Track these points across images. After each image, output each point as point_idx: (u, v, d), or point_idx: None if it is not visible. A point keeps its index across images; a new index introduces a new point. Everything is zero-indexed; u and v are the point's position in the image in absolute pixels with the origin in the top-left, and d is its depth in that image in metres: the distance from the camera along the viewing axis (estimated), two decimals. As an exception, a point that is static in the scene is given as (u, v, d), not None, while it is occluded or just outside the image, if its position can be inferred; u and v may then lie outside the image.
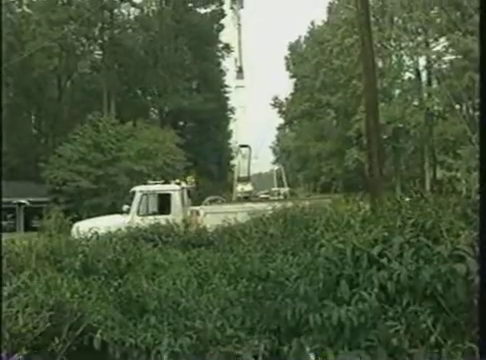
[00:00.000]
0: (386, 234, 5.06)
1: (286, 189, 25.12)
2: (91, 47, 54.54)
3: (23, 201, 39.13)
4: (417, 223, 5.14)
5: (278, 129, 76.04)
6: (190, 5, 54.60)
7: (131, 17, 54.74)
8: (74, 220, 20.98)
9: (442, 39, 47.18)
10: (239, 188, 23.74)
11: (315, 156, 57.57)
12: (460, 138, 40.43)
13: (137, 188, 21.80)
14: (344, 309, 4.56)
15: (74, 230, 17.76)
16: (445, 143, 44.72)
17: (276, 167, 37.18)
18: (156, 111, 56.06)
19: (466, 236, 4.74)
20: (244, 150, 24.63)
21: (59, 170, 36.34)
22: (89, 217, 24.60)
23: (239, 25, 15.26)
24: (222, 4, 51.33)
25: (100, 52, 53.40)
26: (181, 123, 56.52)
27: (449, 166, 40.60)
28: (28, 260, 7.84)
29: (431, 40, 47.64)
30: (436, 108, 47.27)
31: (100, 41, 52.21)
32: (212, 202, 22.70)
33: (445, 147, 45.85)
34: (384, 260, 4.71)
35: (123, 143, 38.05)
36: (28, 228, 35.71)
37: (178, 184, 21.85)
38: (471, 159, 31.19)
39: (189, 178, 23.12)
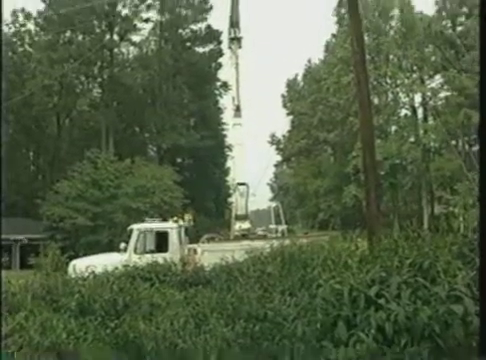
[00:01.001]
0: (383, 274, 5.07)
1: (284, 226, 25.02)
2: (90, 85, 55.17)
3: (19, 238, 38.92)
4: (414, 263, 5.16)
5: (276, 166, 76.32)
6: (189, 44, 55.47)
7: (130, 56, 55.52)
8: (71, 258, 20.90)
9: (437, 76, 48.04)
10: (237, 226, 23.66)
11: (313, 193, 57.62)
12: (456, 174, 40.70)
13: (134, 226, 21.74)
14: (342, 350, 4.53)
15: (71, 268, 17.68)
16: (442, 179, 44.92)
17: (274, 204, 37.14)
18: (154, 148, 56.30)
19: (463, 276, 4.76)
20: (242, 188, 24.62)
21: (56, 207, 36.24)
22: (86, 255, 24.47)
23: (237, 64, 15.49)
24: (220, 43, 52.26)
25: (99, 90, 53.95)
26: (179, 160, 56.70)
27: (447, 202, 40.74)
28: (24, 300, 7.80)
29: (426, 77, 48.42)
30: (432, 144, 47.67)
31: (99, 79, 52.84)
32: (210, 240, 22.59)
33: (442, 183, 46.08)
34: (382, 301, 4.71)
35: (121, 180, 38.08)
36: (24, 265, 35.43)
37: (176, 222, 21.80)
38: (468, 195, 31.29)
39: (187, 216, 23.07)
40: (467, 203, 27.41)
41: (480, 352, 3.65)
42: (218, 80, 55.59)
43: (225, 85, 50.79)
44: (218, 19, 50.00)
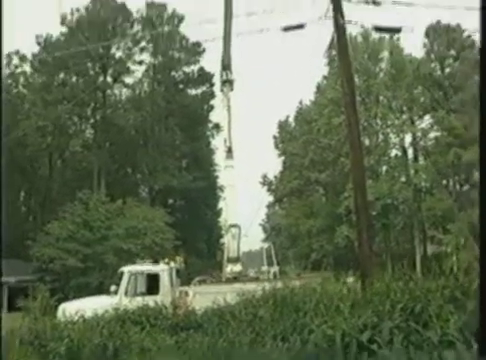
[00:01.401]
0: (375, 319, 5.03)
1: (276, 268, 24.85)
2: (83, 126, 55.51)
3: (8, 280, 38.33)
4: (406, 307, 5.13)
5: (268, 207, 76.18)
6: (181, 86, 56.23)
7: (123, 97, 56.04)
8: (60, 300, 20.57)
9: (427, 117, 48.69)
10: (229, 269, 23.43)
11: (305, 233, 57.42)
12: (448, 213, 40.83)
13: (125, 268, 21.55)
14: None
15: (60, 312, 17.36)
16: (434, 218, 44.97)
17: (266, 245, 36.93)
18: (146, 189, 56.31)
19: (455, 321, 4.73)
20: (234, 230, 24.47)
21: (46, 248, 35.86)
22: (76, 297, 24.14)
23: (229, 107, 15.65)
24: (212, 85, 52.94)
25: (92, 131, 54.26)
26: (171, 201, 56.65)
27: (439, 241, 40.73)
28: (12, 346, 7.65)
29: (416, 118, 49.06)
30: (423, 184, 47.95)
31: (92, 120, 53.22)
32: (201, 282, 22.38)
33: (434, 222, 46.12)
34: (374, 346, 4.66)
35: (112, 221, 37.89)
36: (12, 308, 34.76)
37: (167, 263, 21.64)
38: (460, 235, 31.35)
39: (178, 257, 22.92)
40: (459, 243, 27.47)
41: (480, 352, 3.62)
42: (210, 121, 56.16)
43: (217, 126, 51.21)
44: (210, 61, 50.77)
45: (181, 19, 54.35)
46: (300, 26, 9.92)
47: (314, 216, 57.01)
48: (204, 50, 54.71)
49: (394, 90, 47.68)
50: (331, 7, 9.18)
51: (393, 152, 50.39)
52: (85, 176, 51.42)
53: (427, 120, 48.70)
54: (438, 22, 48.26)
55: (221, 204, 49.72)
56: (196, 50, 55.20)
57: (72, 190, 46.44)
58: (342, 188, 46.56)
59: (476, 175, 44.91)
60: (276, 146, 69.60)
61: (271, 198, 70.60)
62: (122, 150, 53.32)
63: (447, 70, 49.50)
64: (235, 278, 22.33)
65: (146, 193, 56.05)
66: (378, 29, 11.81)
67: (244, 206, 29.05)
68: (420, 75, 47.14)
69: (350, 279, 9.69)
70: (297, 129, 65.92)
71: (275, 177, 69.60)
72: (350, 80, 11.24)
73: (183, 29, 53.88)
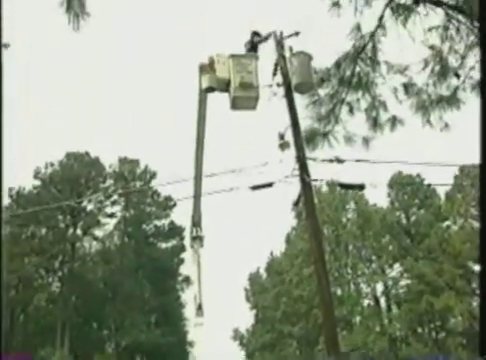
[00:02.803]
0: None
1: None
2: (50, 279, 54.21)
3: None
4: None
5: (240, 363, 72.90)
6: (152, 239, 56.41)
7: (93, 250, 55.66)
8: None
9: (396, 265, 49.19)
10: None
11: (280, 390, 54.66)
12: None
13: None
14: None
15: None
16: (412, 368, 43.64)
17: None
18: (112, 345, 53.82)
19: None
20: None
21: None
22: None
23: (199, 263, 15.62)
24: (183, 239, 53.25)
25: (59, 284, 52.96)
26: (138, 358, 54.05)
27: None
28: None
29: (386, 266, 49.53)
30: (398, 333, 47.13)
31: (60, 273, 52.19)
32: None
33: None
34: None
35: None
36: None
37: None
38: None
39: None
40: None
41: (481, 352, 3.31)
42: (180, 274, 55.65)
43: (187, 279, 50.75)
44: (181, 214, 51.62)
45: (153, 175, 56.06)
46: (269, 185, 10.29)
47: (288, 371, 54.66)
48: (175, 204, 55.79)
49: (363, 239, 48.71)
50: (297, 166, 9.63)
51: (366, 302, 50.09)
52: (48, 331, 49.15)
53: (397, 268, 49.20)
54: (400, 173, 50.75)
55: (191, 360, 47.71)
56: (167, 204, 56.29)
57: (34, 346, 44.22)
58: (315, 340, 45.37)
59: (451, 321, 44.59)
60: (247, 299, 68.56)
61: (243, 353, 67.94)
62: (89, 304, 51.70)
63: (413, 218, 51.15)
64: None
65: (112, 349, 53.50)
66: (343, 186, 12.28)
67: (215, 363, 27.88)
68: (387, 224, 48.54)
69: None
70: (268, 281, 65.47)
71: (247, 330, 67.57)
72: (317, 235, 11.40)
73: (155, 184, 55.45)
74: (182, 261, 53.93)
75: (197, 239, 16.16)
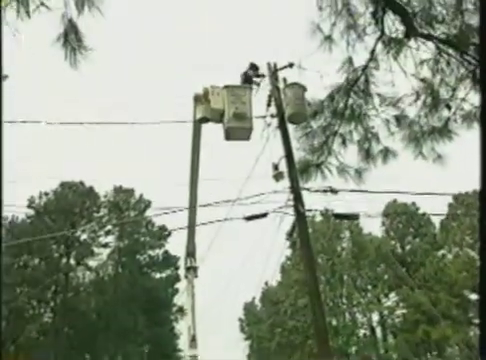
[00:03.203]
0: None
1: None
2: (42, 310, 53.46)
3: None
4: None
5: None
6: (146, 269, 55.93)
7: (86, 280, 55.08)
8: None
9: (392, 294, 48.93)
10: None
11: None
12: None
13: None
14: None
15: None
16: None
17: None
18: (105, 377, 52.87)
19: None
20: None
21: None
22: None
23: (193, 294, 15.47)
24: (177, 269, 52.90)
25: (51, 315, 52.23)
26: (130, 394, 53.02)
27: None
28: None
29: (381, 295, 49.23)
30: (395, 364, 46.66)
31: (52, 304, 51.51)
32: None
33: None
34: None
35: None
36: None
37: None
38: None
39: None
40: None
41: (481, 352, 3.27)
42: (174, 305, 55.01)
43: (181, 310, 50.18)
44: (176, 244, 51.35)
45: (148, 204, 55.88)
46: (263, 215, 10.32)
47: (284, 405, 53.73)
48: (170, 234, 55.54)
49: (358, 269, 48.49)
50: (291, 196, 9.68)
51: (361, 331, 49.63)
52: (40, 363, 48.29)
53: (393, 297, 48.92)
54: (394, 201, 50.81)
55: (185, 393, 46.71)
56: (162, 234, 56.01)
57: (24, 381, 43.34)
58: (312, 373, 44.74)
59: (448, 351, 44.21)
60: (242, 329, 67.86)
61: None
62: (81, 335, 50.90)
63: (408, 247, 51.06)
64: None
65: (105, 381, 52.55)
66: (337, 216, 12.32)
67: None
68: (382, 253, 48.38)
69: None
70: (263, 311, 64.88)
71: (242, 362, 66.63)
72: (312, 265, 11.41)
73: (149, 213, 55.23)
74: (176, 291, 53.41)
75: (191, 269, 16.08)
